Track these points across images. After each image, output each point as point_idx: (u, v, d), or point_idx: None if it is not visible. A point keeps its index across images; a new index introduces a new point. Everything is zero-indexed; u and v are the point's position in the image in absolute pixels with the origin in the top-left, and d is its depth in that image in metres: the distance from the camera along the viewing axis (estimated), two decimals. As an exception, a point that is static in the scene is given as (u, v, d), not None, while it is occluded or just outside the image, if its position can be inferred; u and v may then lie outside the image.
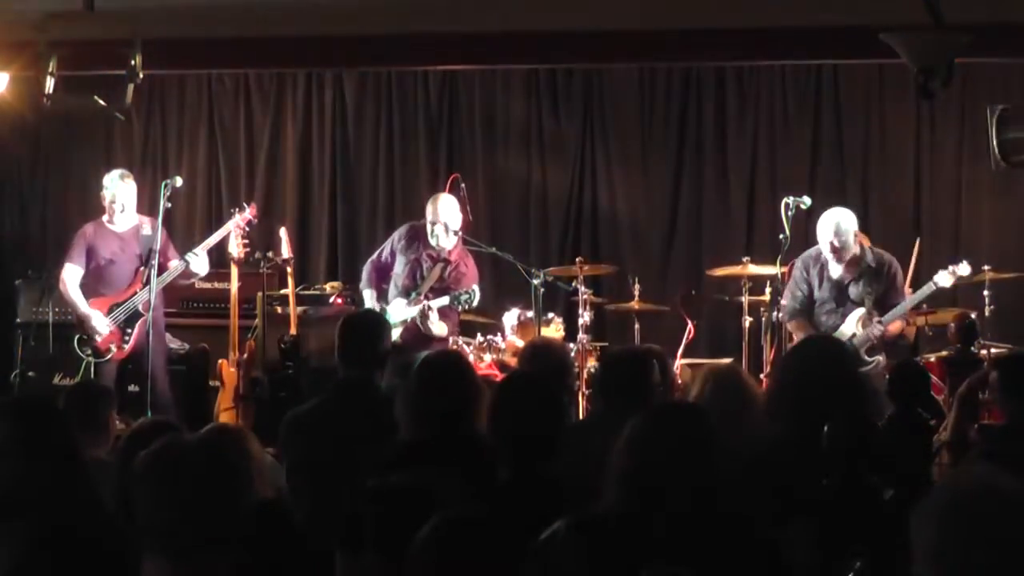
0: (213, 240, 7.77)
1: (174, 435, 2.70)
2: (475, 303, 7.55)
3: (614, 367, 4.66)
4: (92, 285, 7.68)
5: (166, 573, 2.52)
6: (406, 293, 7.54)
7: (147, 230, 7.68)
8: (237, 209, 7.91)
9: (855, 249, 7.30)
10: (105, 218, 7.76)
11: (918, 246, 8.07)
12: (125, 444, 3.33)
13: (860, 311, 7.22)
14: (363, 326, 5.04)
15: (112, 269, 7.68)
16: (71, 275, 7.67)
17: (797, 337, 7.34)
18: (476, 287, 7.58)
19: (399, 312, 7.51)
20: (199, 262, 7.63)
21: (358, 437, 4.44)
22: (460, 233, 7.65)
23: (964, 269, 7.48)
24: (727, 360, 6.97)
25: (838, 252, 7.23)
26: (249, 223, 7.82)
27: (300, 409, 4.85)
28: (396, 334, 7.35)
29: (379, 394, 4.85)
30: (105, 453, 4.76)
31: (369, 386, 4.80)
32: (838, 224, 7.26)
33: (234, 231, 7.74)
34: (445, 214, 7.57)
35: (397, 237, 7.76)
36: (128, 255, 7.65)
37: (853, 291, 7.28)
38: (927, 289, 7.42)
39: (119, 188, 7.72)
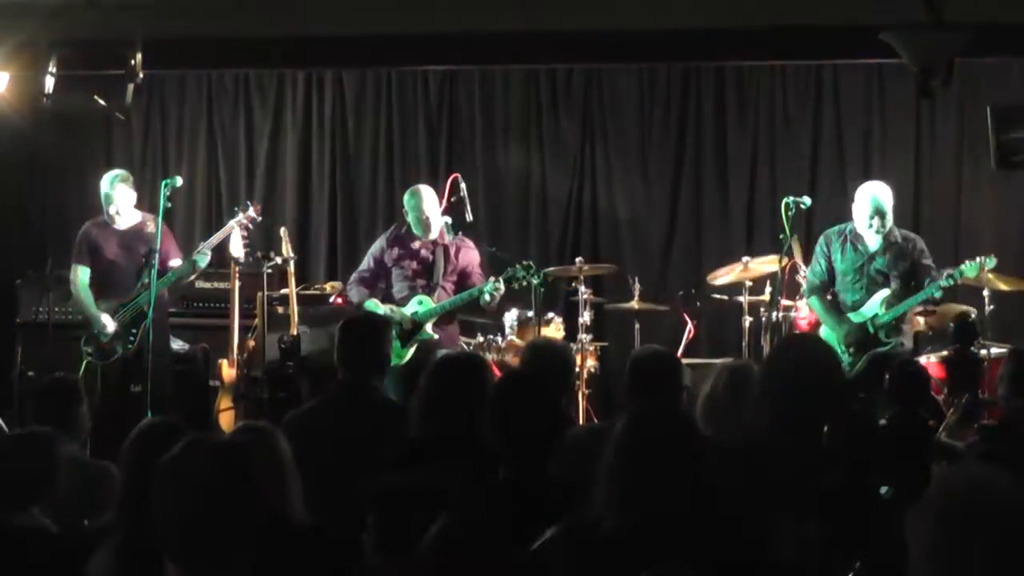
0: (217, 239, 7.75)
1: (192, 440, 2.68)
2: (533, 277, 7.45)
3: (643, 367, 4.62)
4: (97, 285, 7.65)
5: None
6: (425, 289, 7.52)
7: (151, 228, 7.65)
8: (240, 207, 7.89)
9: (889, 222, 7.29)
10: (106, 218, 7.75)
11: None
12: (131, 446, 3.33)
13: (885, 292, 7.17)
14: (363, 329, 5.04)
15: (116, 269, 7.66)
16: (81, 276, 7.66)
17: (819, 315, 7.33)
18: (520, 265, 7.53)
19: (426, 308, 7.46)
20: (206, 261, 7.63)
21: (357, 439, 4.45)
22: (446, 219, 7.63)
23: (990, 262, 7.34)
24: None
25: (882, 220, 7.19)
26: (252, 221, 7.80)
27: (299, 410, 4.86)
28: (429, 326, 7.39)
29: (378, 396, 4.86)
30: (78, 448, 4.78)
31: (368, 388, 4.81)
32: (880, 193, 7.28)
33: (237, 229, 7.71)
34: (431, 207, 7.55)
35: (380, 247, 7.69)
36: (132, 255, 7.63)
37: (879, 263, 7.24)
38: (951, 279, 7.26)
39: (114, 189, 7.71)
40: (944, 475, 3.84)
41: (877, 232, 7.24)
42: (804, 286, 7.56)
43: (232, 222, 7.76)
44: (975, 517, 2.09)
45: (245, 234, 7.72)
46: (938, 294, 7.13)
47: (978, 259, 7.28)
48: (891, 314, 7.15)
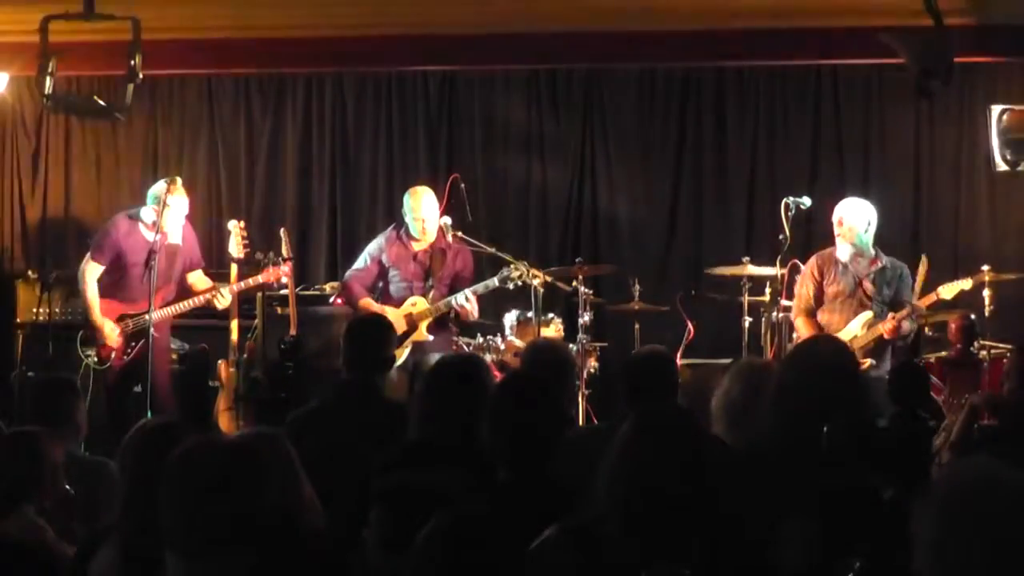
0: (244, 284, 7.54)
1: (202, 438, 2.68)
2: (523, 278, 7.49)
3: (638, 369, 4.63)
4: (108, 287, 7.53)
5: (181, 571, 2.52)
6: (421, 291, 7.57)
7: (174, 238, 7.53)
8: (280, 258, 7.62)
9: (864, 243, 7.31)
10: (143, 220, 7.52)
11: (925, 264, 7.83)
12: (131, 445, 3.33)
13: (867, 314, 7.24)
14: (370, 330, 5.06)
15: (133, 278, 7.46)
16: (93, 273, 7.48)
17: (802, 334, 7.36)
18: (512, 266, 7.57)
19: (420, 309, 7.51)
20: (224, 300, 7.50)
21: (362, 439, 4.45)
22: (444, 222, 7.66)
23: (966, 283, 7.49)
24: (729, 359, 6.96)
25: (844, 236, 7.27)
26: (280, 278, 7.57)
27: (302, 411, 4.86)
28: (424, 327, 7.49)
29: (381, 397, 4.87)
30: (75, 446, 4.79)
31: (371, 389, 4.82)
32: (846, 211, 7.36)
33: (236, 231, 7.65)
34: (427, 209, 7.59)
35: (379, 246, 7.74)
36: (158, 265, 7.29)
37: (868, 287, 7.31)
38: (927, 300, 7.43)
39: (171, 199, 7.39)
40: (950, 469, 3.83)
41: (844, 245, 7.30)
42: (792, 308, 7.57)
43: (267, 274, 7.51)
44: (982, 512, 2.09)
45: (245, 234, 7.70)
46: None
47: (958, 282, 7.49)
48: (867, 336, 7.19)
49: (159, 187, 7.49)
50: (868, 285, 7.32)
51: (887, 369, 7.20)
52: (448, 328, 7.73)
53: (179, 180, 7.60)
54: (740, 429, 4.01)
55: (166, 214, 7.36)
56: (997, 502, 2.09)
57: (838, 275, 7.38)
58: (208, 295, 7.52)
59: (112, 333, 7.44)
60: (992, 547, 2.07)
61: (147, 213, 7.52)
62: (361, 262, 7.78)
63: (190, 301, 7.56)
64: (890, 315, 7.19)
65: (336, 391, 4.88)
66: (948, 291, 7.43)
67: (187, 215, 7.69)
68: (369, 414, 4.67)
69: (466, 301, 7.45)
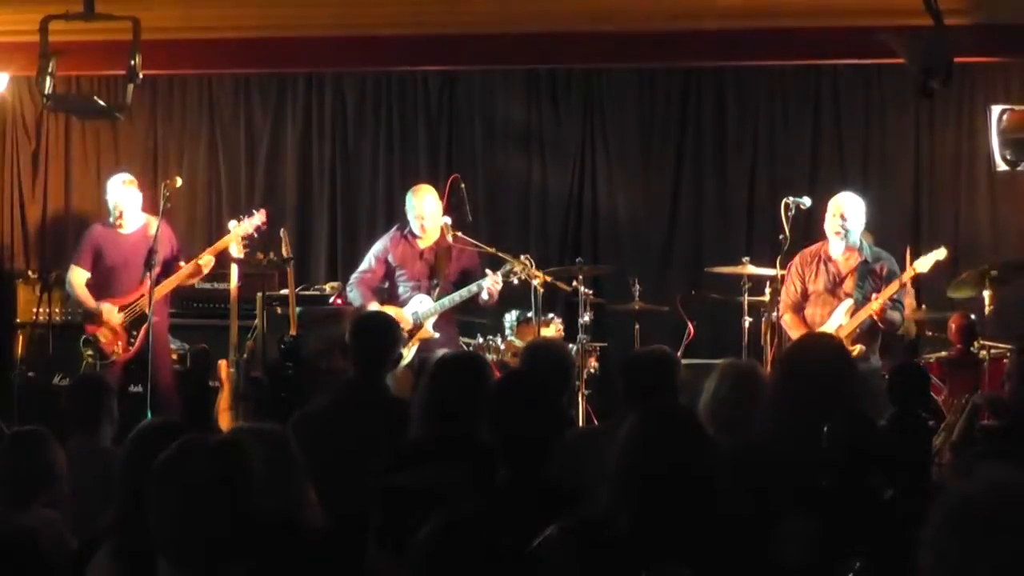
0: (222, 244, 7.69)
1: (189, 439, 2.68)
2: (526, 271, 7.50)
3: (638, 369, 4.64)
4: (100, 288, 7.67)
5: None
6: (427, 290, 7.57)
7: (154, 230, 7.66)
8: (246, 215, 7.78)
9: (856, 239, 7.30)
10: (112, 222, 7.78)
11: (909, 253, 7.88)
12: (130, 446, 3.33)
13: (848, 302, 7.22)
14: (377, 328, 5.06)
15: (119, 273, 7.69)
16: (77, 278, 7.70)
17: (790, 332, 7.36)
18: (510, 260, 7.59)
19: (427, 306, 7.50)
20: (207, 265, 7.67)
21: (368, 437, 4.45)
22: (447, 220, 7.66)
23: (940, 253, 7.44)
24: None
25: (841, 231, 7.24)
26: (258, 229, 7.72)
27: (308, 409, 4.86)
28: (430, 325, 7.46)
29: (387, 394, 4.87)
30: (108, 443, 4.85)
31: (378, 386, 4.82)
32: (843, 205, 7.30)
33: (238, 237, 7.68)
34: (428, 207, 7.58)
35: (383, 246, 7.74)
36: (136, 258, 7.60)
37: (848, 283, 7.28)
38: (906, 275, 7.38)
39: (121, 194, 7.74)
40: (960, 478, 3.82)
41: (839, 241, 7.25)
42: (780, 307, 7.56)
43: (239, 228, 7.65)
44: (993, 520, 2.07)
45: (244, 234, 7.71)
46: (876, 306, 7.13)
47: (932, 254, 7.35)
48: (852, 323, 7.16)
49: (113, 183, 7.80)
50: (848, 282, 7.29)
51: (878, 360, 7.20)
52: (454, 325, 7.73)
53: (130, 177, 7.92)
54: (730, 430, 4.01)
55: (122, 209, 7.68)
56: (1010, 510, 2.08)
57: (820, 272, 7.36)
58: (193, 270, 7.63)
59: (112, 313, 7.55)
60: (1004, 556, 2.05)
61: (112, 213, 7.78)
62: (366, 264, 7.76)
63: (180, 274, 7.65)
64: (873, 295, 7.14)
65: (342, 389, 4.88)
66: (923, 264, 7.34)
67: (161, 213, 7.75)
68: (375, 412, 4.67)
69: (492, 284, 7.43)
